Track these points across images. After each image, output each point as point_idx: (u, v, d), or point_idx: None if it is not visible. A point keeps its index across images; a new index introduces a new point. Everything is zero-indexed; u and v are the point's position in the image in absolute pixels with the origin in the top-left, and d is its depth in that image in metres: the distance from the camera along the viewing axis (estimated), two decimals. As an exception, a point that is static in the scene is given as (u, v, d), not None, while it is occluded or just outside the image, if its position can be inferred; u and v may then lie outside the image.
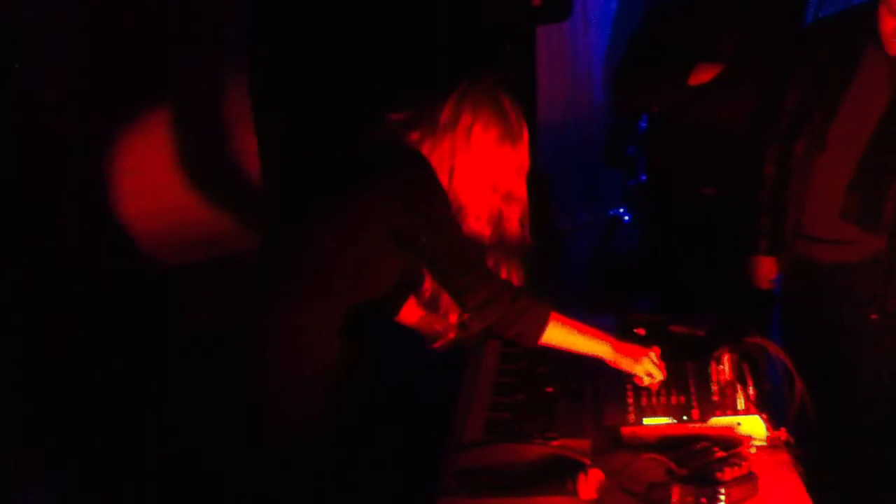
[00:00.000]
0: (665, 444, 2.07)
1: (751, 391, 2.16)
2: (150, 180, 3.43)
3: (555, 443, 2.08)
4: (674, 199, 3.48)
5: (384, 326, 2.36)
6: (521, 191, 2.29)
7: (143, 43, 3.36)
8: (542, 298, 2.18)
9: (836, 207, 2.73)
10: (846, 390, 2.80)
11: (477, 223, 2.23)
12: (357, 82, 3.70)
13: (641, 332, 2.45)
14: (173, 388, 3.11)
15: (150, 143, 3.44)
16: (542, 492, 1.92)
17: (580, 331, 2.19)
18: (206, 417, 2.43)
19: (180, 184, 3.50)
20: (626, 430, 2.13)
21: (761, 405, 2.15)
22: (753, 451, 2.04)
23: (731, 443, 2.03)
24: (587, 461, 1.97)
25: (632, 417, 2.14)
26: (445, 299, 2.32)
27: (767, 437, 2.08)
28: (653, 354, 2.20)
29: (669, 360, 2.24)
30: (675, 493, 1.86)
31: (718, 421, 2.10)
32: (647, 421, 2.13)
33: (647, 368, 2.18)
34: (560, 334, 2.17)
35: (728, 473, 1.88)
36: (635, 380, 2.19)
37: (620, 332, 2.52)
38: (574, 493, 1.90)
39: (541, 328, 2.15)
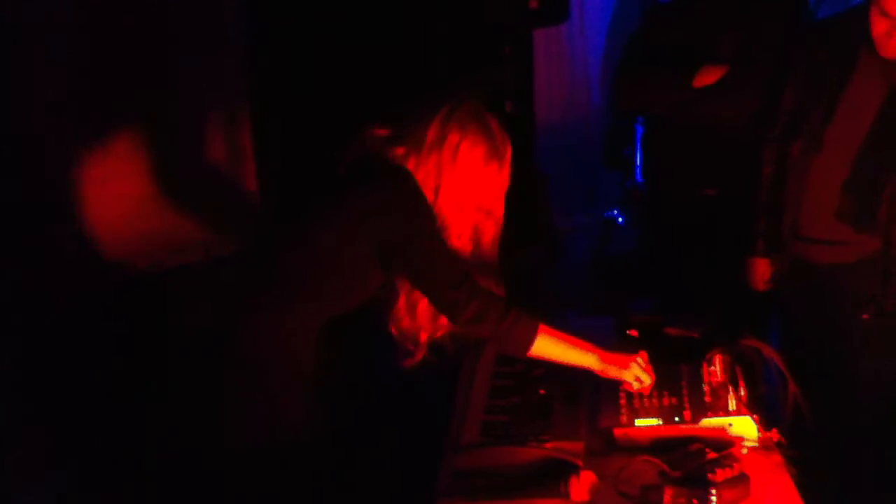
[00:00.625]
0: (658, 445, 2.08)
1: (742, 392, 2.18)
2: (147, 181, 3.44)
3: (548, 445, 2.09)
4: (673, 200, 3.49)
5: (379, 329, 2.37)
6: (500, 210, 2.31)
7: (143, 43, 3.37)
8: (532, 312, 2.20)
9: (832, 208, 2.74)
10: (843, 391, 2.81)
11: (458, 241, 2.25)
12: (355, 84, 3.71)
13: (634, 333, 2.47)
14: (172, 387, 3.12)
15: (150, 143, 3.44)
16: (535, 494, 1.94)
17: (568, 343, 2.20)
18: (204, 418, 2.44)
19: (178, 185, 3.51)
20: (618, 432, 2.14)
21: (753, 406, 2.16)
22: (745, 452, 2.05)
23: (723, 444, 2.04)
24: (580, 463, 1.98)
25: (624, 419, 2.16)
26: (419, 317, 2.33)
27: (759, 438, 2.10)
28: (640, 359, 2.22)
29: (663, 362, 2.26)
30: (667, 494, 1.87)
31: (710, 422, 2.11)
32: (638, 422, 2.14)
33: (636, 374, 2.20)
34: (547, 347, 2.18)
35: (719, 475, 1.89)
36: (625, 386, 2.21)
37: (618, 333, 2.55)
38: (567, 495, 1.92)
39: (529, 342, 2.17)
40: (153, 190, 3.44)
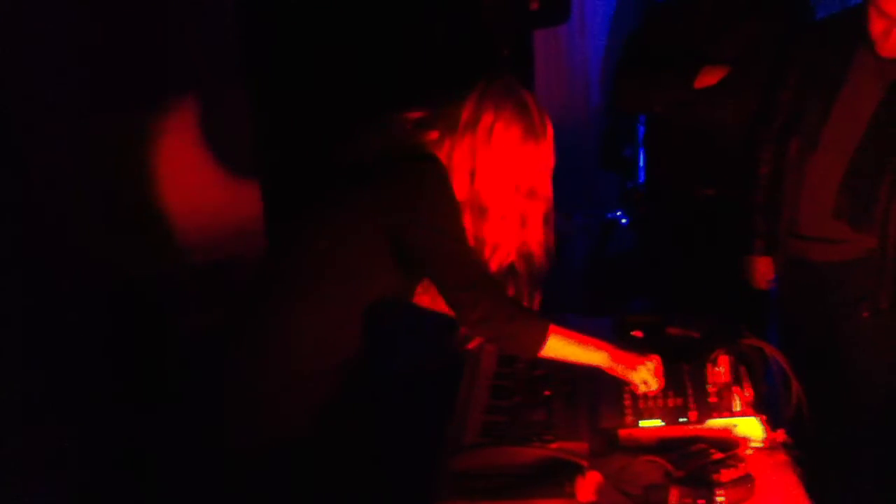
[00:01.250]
0: (662, 446, 2.08)
1: (747, 393, 2.18)
2: (147, 181, 3.43)
3: (552, 445, 2.09)
4: (673, 200, 3.49)
5: (382, 328, 2.36)
6: (546, 189, 2.26)
7: (142, 43, 3.36)
8: (541, 313, 2.18)
9: (829, 207, 2.76)
10: (842, 390, 2.82)
11: (502, 223, 2.20)
12: (354, 86, 3.70)
13: (639, 334, 2.46)
14: (173, 388, 3.11)
15: (150, 143, 3.44)
16: (539, 494, 1.93)
17: (578, 342, 2.17)
18: (205, 418, 2.43)
19: (179, 185, 3.51)
20: (623, 433, 2.14)
21: (758, 407, 2.16)
22: (750, 452, 2.06)
23: (729, 444, 2.04)
24: (585, 463, 1.97)
25: (629, 420, 2.15)
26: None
27: (764, 438, 2.09)
28: (650, 364, 2.18)
29: (666, 362, 2.25)
30: (673, 494, 1.87)
31: (715, 423, 2.11)
32: (643, 423, 2.14)
33: (643, 377, 2.17)
34: (558, 347, 2.15)
35: (725, 475, 1.88)
36: (632, 387, 2.19)
37: (617, 334, 2.54)
38: (572, 495, 1.91)
39: (539, 345, 2.14)
40: (153, 190, 3.44)
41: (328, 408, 2.22)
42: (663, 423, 2.13)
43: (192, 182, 3.56)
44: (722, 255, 3.13)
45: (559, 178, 2.36)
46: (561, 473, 1.94)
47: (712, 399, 2.15)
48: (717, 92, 3.23)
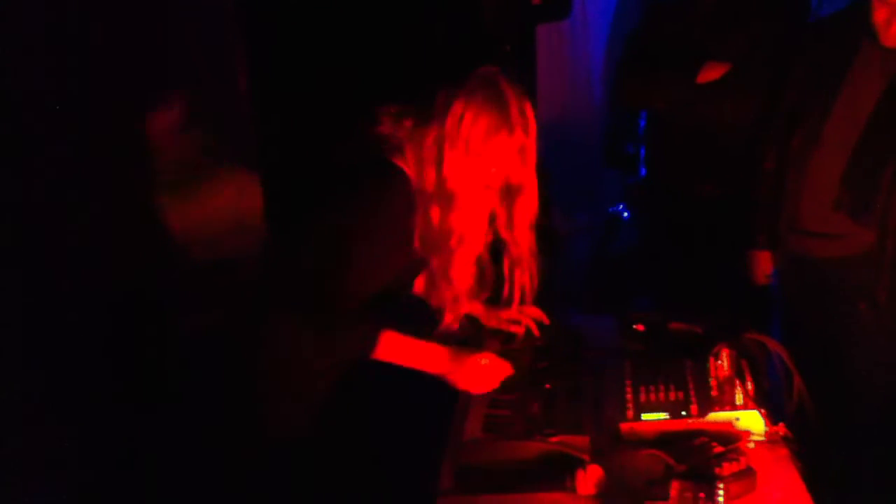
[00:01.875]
0: (664, 439, 2.07)
1: (749, 387, 2.17)
2: (147, 181, 3.43)
3: (554, 439, 2.08)
4: (674, 197, 3.49)
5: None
6: (526, 182, 2.23)
7: (142, 43, 3.36)
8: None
9: (830, 201, 2.76)
10: (843, 384, 2.81)
11: (469, 214, 2.18)
12: (354, 82, 3.70)
13: (640, 328, 2.46)
14: (174, 388, 3.11)
15: (149, 144, 3.44)
16: (541, 488, 1.94)
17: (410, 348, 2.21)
18: (207, 418, 2.43)
19: (179, 185, 3.51)
20: (624, 427, 2.13)
21: (760, 400, 2.15)
22: (752, 446, 2.05)
23: (730, 438, 2.04)
24: (586, 457, 1.97)
25: (630, 414, 2.15)
26: (455, 284, 2.28)
27: (766, 432, 2.09)
28: (484, 360, 2.21)
29: (669, 356, 2.25)
30: (674, 488, 1.86)
31: (717, 416, 2.10)
32: (645, 417, 2.13)
33: (469, 373, 2.20)
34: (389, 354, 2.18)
35: (726, 468, 1.88)
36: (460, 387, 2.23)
37: (620, 331, 2.54)
38: (573, 489, 1.91)
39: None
40: (153, 190, 3.44)
41: (328, 408, 2.22)
42: (665, 417, 2.12)
43: (192, 182, 3.56)
44: (722, 252, 3.13)
45: (562, 175, 2.35)
46: (562, 467, 1.94)
47: (714, 393, 2.15)
48: (718, 90, 3.23)
